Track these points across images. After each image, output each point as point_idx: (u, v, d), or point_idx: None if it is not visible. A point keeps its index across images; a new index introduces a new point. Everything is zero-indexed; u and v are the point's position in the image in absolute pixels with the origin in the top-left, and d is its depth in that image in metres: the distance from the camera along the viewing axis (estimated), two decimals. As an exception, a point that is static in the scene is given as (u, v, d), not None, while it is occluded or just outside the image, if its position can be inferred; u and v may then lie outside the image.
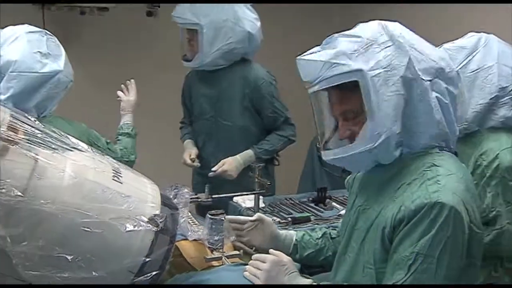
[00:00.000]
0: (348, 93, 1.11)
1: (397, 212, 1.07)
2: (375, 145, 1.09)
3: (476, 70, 1.57)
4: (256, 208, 2.03)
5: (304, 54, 1.15)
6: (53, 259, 0.90)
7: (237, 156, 2.30)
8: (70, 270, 0.91)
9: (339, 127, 1.17)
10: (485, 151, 1.52)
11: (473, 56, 1.58)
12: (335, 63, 1.09)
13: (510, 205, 1.51)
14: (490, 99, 1.55)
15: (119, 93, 2.13)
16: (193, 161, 2.35)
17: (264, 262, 1.22)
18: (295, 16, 4.21)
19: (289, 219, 2.29)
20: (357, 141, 1.12)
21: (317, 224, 2.30)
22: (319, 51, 1.14)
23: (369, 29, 1.14)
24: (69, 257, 0.91)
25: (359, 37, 1.12)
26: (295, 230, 2.16)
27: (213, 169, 2.27)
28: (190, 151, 2.38)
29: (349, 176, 1.38)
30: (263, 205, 2.40)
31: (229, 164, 2.27)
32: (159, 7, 2.58)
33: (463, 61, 1.58)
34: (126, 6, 2.66)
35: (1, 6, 3.17)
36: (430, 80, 1.11)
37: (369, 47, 1.10)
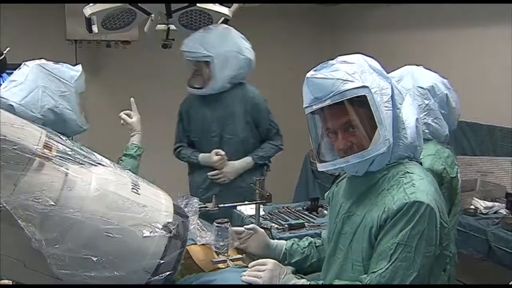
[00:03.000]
0: (349, 107, 1.13)
1: (381, 213, 1.10)
2: (385, 148, 1.11)
3: None
4: (257, 216, 2.04)
5: (311, 75, 1.15)
6: (81, 260, 0.91)
7: (236, 161, 2.38)
8: (95, 269, 0.92)
9: (338, 139, 1.16)
10: None
11: (399, 83, 1.67)
12: (346, 80, 1.11)
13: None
14: None
15: (123, 116, 2.01)
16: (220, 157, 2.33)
17: (265, 264, 1.23)
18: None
19: (286, 225, 2.29)
20: (371, 146, 1.12)
21: (310, 229, 2.31)
22: (323, 72, 1.13)
23: (354, 59, 1.16)
24: (94, 259, 0.91)
25: (352, 63, 1.14)
26: (291, 234, 2.18)
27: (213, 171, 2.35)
28: (214, 152, 2.35)
29: (327, 192, 1.40)
30: (263, 213, 2.41)
31: (228, 167, 2.35)
32: (173, 40, 2.71)
33: None
34: (145, 39, 2.79)
35: (42, 42, 3.26)
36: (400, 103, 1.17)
37: (362, 72, 1.13)
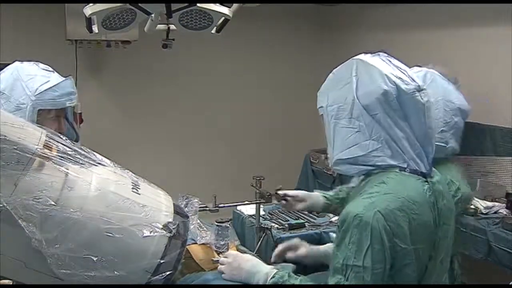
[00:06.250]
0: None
1: (339, 216, 1.10)
2: (331, 164, 1.17)
3: None
4: (257, 216, 2.04)
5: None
6: (81, 260, 0.91)
7: None
8: (95, 269, 0.92)
9: None
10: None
11: None
12: (319, 98, 1.20)
13: (459, 230, 1.50)
14: (437, 133, 1.48)
15: None
16: None
17: (227, 258, 1.25)
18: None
19: (286, 225, 2.30)
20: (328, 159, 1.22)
21: (311, 229, 2.31)
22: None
23: (345, 64, 1.19)
24: (94, 258, 0.91)
25: (332, 75, 1.20)
26: (291, 234, 2.16)
27: None
28: None
29: None
30: (263, 213, 2.41)
31: None
32: (173, 40, 2.74)
33: None
34: (145, 39, 2.80)
35: (42, 42, 3.25)
36: (376, 114, 1.08)
37: (336, 84, 1.16)
